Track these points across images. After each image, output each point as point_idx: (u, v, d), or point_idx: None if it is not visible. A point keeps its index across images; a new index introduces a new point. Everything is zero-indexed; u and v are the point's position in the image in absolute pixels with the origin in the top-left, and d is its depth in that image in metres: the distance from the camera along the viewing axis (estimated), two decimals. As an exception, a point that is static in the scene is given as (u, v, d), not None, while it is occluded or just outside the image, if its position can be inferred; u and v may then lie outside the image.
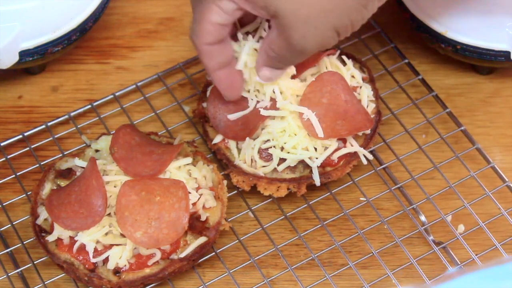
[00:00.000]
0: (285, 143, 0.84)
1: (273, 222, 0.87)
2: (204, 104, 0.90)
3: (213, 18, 0.74)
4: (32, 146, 0.92)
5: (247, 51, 0.82)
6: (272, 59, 0.78)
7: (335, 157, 0.85)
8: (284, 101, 0.84)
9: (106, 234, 0.80)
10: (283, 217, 0.88)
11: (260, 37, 0.83)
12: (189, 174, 0.84)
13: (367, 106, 0.88)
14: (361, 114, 0.86)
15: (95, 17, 0.96)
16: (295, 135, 0.84)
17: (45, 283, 0.83)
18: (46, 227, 0.83)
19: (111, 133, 0.87)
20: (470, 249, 0.84)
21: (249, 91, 0.86)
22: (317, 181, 0.85)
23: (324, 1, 0.69)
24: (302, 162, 0.85)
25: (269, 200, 0.89)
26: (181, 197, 0.80)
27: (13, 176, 0.90)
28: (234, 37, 0.83)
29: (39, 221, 0.83)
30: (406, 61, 0.97)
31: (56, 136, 0.93)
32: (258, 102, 0.86)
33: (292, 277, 0.84)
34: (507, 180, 0.88)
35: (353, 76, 0.89)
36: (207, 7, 0.74)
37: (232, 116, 0.86)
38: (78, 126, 0.94)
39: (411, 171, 0.90)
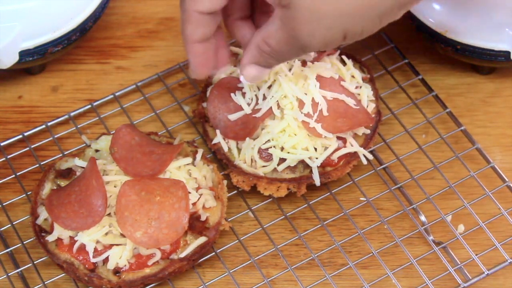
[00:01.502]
0: (285, 143, 0.84)
1: (273, 222, 0.87)
2: (204, 104, 0.90)
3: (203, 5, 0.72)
4: (32, 146, 0.92)
5: None
6: (264, 55, 0.74)
7: (335, 157, 0.85)
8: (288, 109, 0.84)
9: (106, 234, 0.80)
10: (283, 217, 0.88)
11: None
12: (189, 174, 0.84)
13: (367, 106, 0.88)
14: (362, 112, 0.86)
15: (95, 17, 0.96)
16: (295, 135, 0.84)
17: (45, 283, 0.83)
18: (46, 227, 0.83)
19: (111, 133, 0.87)
20: (470, 249, 0.84)
21: (244, 95, 0.86)
22: (317, 181, 0.85)
23: (345, 3, 0.67)
24: (302, 162, 0.85)
25: (269, 200, 0.89)
26: (181, 197, 0.80)
27: (13, 176, 0.90)
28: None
29: (39, 221, 0.83)
30: (406, 61, 0.97)
31: (56, 136, 0.93)
32: (257, 103, 0.86)
33: (292, 277, 0.84)
34: (507, 180, 0.88)
35: (353, 76, 0.90)
36: None
37: (232, 116, 0.86)
38: (78, 126, 0.94)
39: (411, 171, 0.90)
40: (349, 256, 0.85)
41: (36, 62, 0.95)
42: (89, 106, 0.95)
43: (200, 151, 0.86)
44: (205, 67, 0.79)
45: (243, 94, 0.87)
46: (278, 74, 0.86)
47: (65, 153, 0.91)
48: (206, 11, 0.74)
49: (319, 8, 0.67)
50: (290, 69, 0.86)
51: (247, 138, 0.85)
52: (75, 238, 0.80)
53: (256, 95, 0.86)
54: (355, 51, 0.96)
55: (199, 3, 0.73)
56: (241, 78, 0.79)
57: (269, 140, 0.85)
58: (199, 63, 0.79)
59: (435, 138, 0.92)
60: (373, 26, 0.70)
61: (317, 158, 0.84)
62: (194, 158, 0.86)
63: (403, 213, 0.88)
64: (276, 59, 0.75)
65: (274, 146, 0.85)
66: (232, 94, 0.87)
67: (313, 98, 0.84)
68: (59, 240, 0.81)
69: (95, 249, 0.80)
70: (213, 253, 0.85)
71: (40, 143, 0.93)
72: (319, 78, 0.86)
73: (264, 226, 0.87)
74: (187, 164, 0.84)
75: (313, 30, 0.68)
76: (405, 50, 0.99)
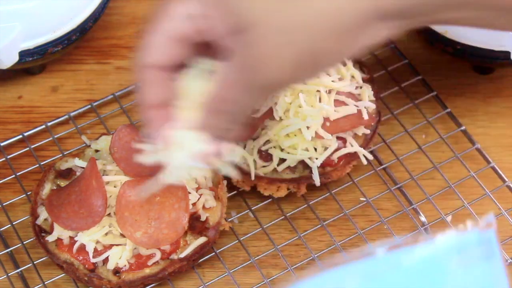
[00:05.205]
0: (284, 143, 0.84)
1: (273, 222, 0.87)
2: (204, 104, 0.90)
3: (179, 10, 0.59)
4: (32, 146, 0.92)
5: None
6: (221, 118, 0.61)
7: (335, 157, 0.85)
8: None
9: (106, 234, 0.80)
10: (283, 217, 0.88)
11: None
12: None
13: (367, 107, 0.88)
14: (362, 112, 0.86)
15: (95, 17, 0.96)
16: (295, 135, 0.84)
17: (45, 283, 0.83)
18: (46, 227, 0.83)
19: (111, 133, 0.87)
20: (470, 249, 0.84)
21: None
22: (317, 181, 0.85)
23: (311, 27, 0.54)
24: (302, 162, 0.85)
25: (269, 200, 0.89)
26: (181, 197, 0.80)
27: (13, 176, 0.90)
28: None
29: (39, 221, 0.83)
30: (406, 61, 0.97)
31: (56, 136, 0.93)
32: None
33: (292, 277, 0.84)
34: (507, 180, 0.88)
35: (353, 76, 0.89)
36: (168, 6, 0.59)
37: (232, 116, 0.86)
38: (78, 126, 0.94)
39: (411, 171, 0.90)
40: (349, 256, 0.85)
41: (36, 62, 0.95)
42: (89, 106, 0.95)
43: (200, 151, 0.86)
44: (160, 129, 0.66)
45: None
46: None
47: (65, 153, 0.91)
48: (163, 64, 0.62)
49: (282, 25, 0.54)
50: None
51: (248, 141, 0.85)
52: (75, 238, 0.80)
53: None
54: (355, 51, 0.96)
55: (154, 53, 0.62)
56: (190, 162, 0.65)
57: (268, 141, 0.85)
58: (157, 128, 0.66)
59: (435, 138, 0.92)
60: (342, 53, 0.58)
61: (317, 159, 0.84)
62: (194, 158, 0.86)
63: (403, 213, 0.88)
64: (236, 118, 0.61)
65: (274, 146, 0.85)
66: None
67: (313, 98, 0.84)
68: (59, 240, 0.81)
69: (95, 249, 0.80)
70: (213, 253, 0.85)
71: (40, 143, 0.93)
72: (319, 78, 0.86)
73: (264, 226, 0.87)
74: (187, 164, 0.84)
75: (275, 49, 0.55)
76: (405, 50, 0.99)
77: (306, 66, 0.57)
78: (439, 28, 0.93)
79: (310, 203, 0.88)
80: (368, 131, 0.88)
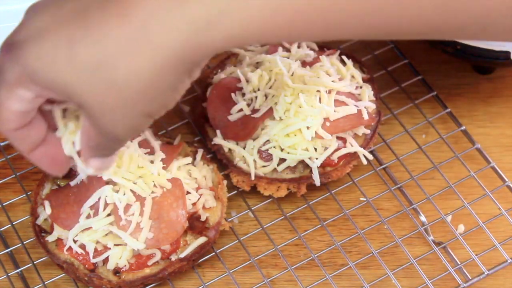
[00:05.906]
0: (284, 143, 0.84)
1: (273, 222, 0.87)
2: (204, 104, 0.90)
3: (12, 106, 0.65)
4: (32, 146, 0.92)
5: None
6: (94, 148, 0.69)
7: (335, 157, 0.85)
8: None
9: (106, 234, 0.80)
10: (283, 217, 0.88)
11: None
12: (189, 174, 0.84)
13: (367, 107, 0.88)
14: (362, 112, 0.86)
15: (95, 17, 0.96)
16: (295, 135, 0.84)
17: (45, 283, 0.83)
18: (46, 227, 0.83)
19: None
20: (470, 249, 0.84)
21: (244, 95, 0.87)
22: (317, 181, 0.85)
23: (128, 92, 0.61)
24: (302, 162, 0.85)
25: (269, 200, 0.89)
26: (178, 196, 0.80)
27: (13, 176, 0.90)
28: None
29: (39, 221, 0.83)
30: (406, 61, 0.97)
31: (56, 136, 0.93)
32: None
33: (292, 277, 0.84)
34: (507, 180, 0.88)
35: (353, 76, 0.89)
36: (5, 94, 0.65)
37: (232, 117, 0.86)
38: (78, 126, 0.94)
39: (411, 171, 0.90)
40: (349, 256, 0.85)
41: (36, 62, 0.95)
42: (89, 106, 0.95)
43: (200, 151, 0.86)
44: (61, 163, 0.73)
45: (243, 95, 0.87)
46: (277, 74, 0.86)
47: (65, 153, 0.91)
48: (16, 128, 0.68)
49: (108, 102, 0.62)
50: (289, 70, 0.86)
51: (248, 141, 0.85)
52: (75, 238, 0.80)
53: (255, 95, 0.86)
54: (355, 51, 0.96)
55: (4, 124, 0.67)
56: (89, 172, 0.71)
57: (268, 141, 0.85)
58: (49, 164, 0.73)
59: (435, 138, 0.92)
60: (172, 97, 0.65)
61: (317, 159, 0.84)
62: (194, 158, 0.86)
63: (403, 213, 0.88)
64: (107, 150, 0.70)
65: (274, 146, 0.85)
66: (232, 94, 0.87)
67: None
68: (59, 240, 0.81)
69: (95, 249, 0.80)
70: (213, 253, 0.85)
71: (40, 143, 0.93)
72: (319, 78, 0.86)
73: (264, 226, 0.87)
74: (187, 164, 0.84)
75: (112, 121, 0.64)
76: (405, 50, 0.99)
77: (143, 125, 0.65)
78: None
79: (310, 203, 0.88)
80: (368, 131, 0.88)
